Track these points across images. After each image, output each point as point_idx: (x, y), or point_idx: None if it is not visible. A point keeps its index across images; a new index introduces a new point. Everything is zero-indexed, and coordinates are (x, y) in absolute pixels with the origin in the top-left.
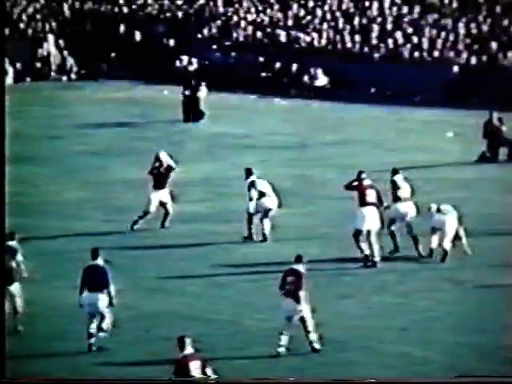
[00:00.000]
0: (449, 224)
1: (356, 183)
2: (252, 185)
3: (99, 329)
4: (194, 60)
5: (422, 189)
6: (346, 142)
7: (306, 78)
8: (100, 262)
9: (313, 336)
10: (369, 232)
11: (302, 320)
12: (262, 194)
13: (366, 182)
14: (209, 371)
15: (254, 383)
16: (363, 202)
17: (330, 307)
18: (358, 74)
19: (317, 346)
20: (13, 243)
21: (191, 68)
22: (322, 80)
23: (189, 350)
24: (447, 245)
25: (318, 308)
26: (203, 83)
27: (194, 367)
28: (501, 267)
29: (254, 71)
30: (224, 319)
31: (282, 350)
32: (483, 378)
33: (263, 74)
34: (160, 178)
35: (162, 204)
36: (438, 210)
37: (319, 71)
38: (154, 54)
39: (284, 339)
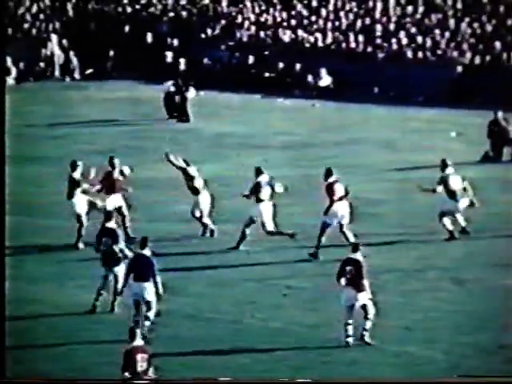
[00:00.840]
0: (461, 206)
1: (329, 190)
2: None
3: (145, 317)
4: (182, 60)
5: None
6: (349, 141)
7: (309, 78)
8: (147, 252)
9: (368, 325)
10: (341, 225)
11: (364, 308)
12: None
13: (332, 179)
14: (151, 369)
15: (255, 383)
16: (333, 199)
17: (332, 306)
18: (361, 73)
19: (367, 338)
20: (111, 224)
21: (181, 67)
22: (325, 80)
23: (138, 341)
24: (463, 223)
25: (320, 307)
26: (191, 84)
27: (141, 359)
28: (504, 266)
29: (258, 71)
30: (226, 319)
31: (350, 339)
32: (484, 378)
33: (266, 74)
34: (111, 183)
35: (117, 208)
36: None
37: (323, 71)
38: (157, 54)
39: (350, 329)
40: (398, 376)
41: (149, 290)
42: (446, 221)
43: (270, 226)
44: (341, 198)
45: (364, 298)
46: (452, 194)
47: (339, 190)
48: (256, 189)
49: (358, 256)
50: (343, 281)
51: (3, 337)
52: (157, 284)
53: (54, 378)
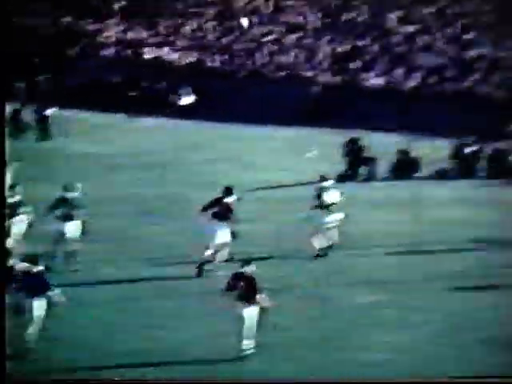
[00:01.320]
0: (336, 219)
1: (214, 202)
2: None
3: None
4: (44, 78)
5: (278, 207)
6: (212, 160)
7: (172, 97)
8: (38, 268)
9: (246, 343)
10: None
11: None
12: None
13: (226, 198)
14: None
15: (253, 383)
16: (216, 217)
17: (196, 324)
18: (223, 92)
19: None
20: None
21: (42, 86)
22: (188, 98)
23: None
24: (331, 241)
25: (184, 325)
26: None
27: None
28: (361, 284)
29: (121, 90)
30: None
31: (250, 351)
32: (484, 379)
33: (130, 93)
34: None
35: None
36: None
37: (186, 90)
38: (21, 72)
39: (248, 343)
40: (395, 376)
41: (39, 306)
42: (316, 239)
43: (76, 246)
44: (224, 219)
45: (254, 311)
46: (327, 208)
47: (224, 211)
48: (55, 206)
49: (249, 270)
50: (231, 294)
51: (3, 337)
52: (48, 299)
53: (53, 378)
